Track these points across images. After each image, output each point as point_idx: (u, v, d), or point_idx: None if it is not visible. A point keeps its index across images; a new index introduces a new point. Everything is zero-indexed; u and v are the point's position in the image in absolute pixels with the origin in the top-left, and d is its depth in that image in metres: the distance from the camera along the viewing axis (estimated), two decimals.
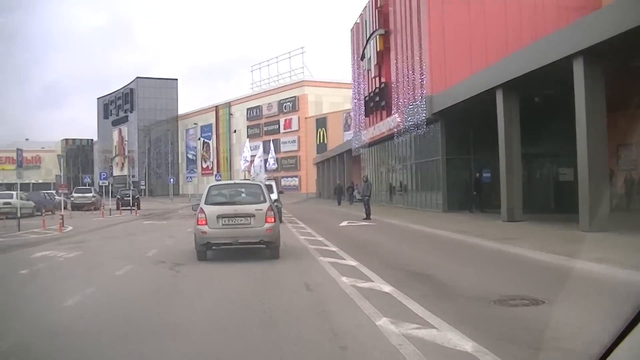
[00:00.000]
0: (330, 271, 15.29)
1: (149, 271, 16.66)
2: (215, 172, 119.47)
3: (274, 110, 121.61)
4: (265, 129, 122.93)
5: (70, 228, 35.07)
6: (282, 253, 18.84)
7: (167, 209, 65.96)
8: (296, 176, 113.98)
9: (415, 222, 32.54)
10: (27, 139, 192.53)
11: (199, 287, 13.85)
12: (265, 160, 48.25)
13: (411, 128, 43.38)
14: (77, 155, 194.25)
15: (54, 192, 62.86)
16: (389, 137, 52.12)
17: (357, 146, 65.73)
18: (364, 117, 63.23)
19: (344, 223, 35.19)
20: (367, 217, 37.59)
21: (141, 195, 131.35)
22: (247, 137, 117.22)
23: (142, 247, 22.90)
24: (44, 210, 39.86)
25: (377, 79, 56.54)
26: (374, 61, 56.33)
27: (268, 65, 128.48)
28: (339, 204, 66.00)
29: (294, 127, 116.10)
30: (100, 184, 61.82)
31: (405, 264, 16.57)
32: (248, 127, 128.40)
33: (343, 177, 78.27)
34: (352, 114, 73.28)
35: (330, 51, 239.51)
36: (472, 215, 35.93)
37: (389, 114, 52.32)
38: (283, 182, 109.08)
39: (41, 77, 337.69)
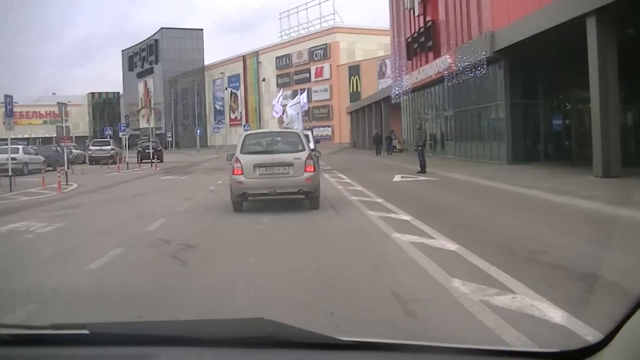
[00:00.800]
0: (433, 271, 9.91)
1: (141, 262, 11.33)
2: (244, 123, 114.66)
3: (305, 59, 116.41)
4: (295, 77, 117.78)
5: (74, 186, 30.94)
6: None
7: (191, 162, 62.18)
8: (329, 126, 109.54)
9: (483, 176, 27.79)
10: (53, 93, 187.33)
11: (212, 293, 8.66)
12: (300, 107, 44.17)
13: (467, 69, 38.43)
14: (104, 108, 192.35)
15: (70, 145, 57.14)
16: (438, 81, 47.21)
17: (397, 92, 60.64)
18: (405, 60, 58.25)
19: (397, 178, 30.62)
20: (422, 171, 32.72)
21: (168, 147, 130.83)
22: (277, 86, 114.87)
23: (146, 215, 18.20)
24: (58, 167, 34.37)
25: (423, 17, 51.59)
26: None
27: (297, 13, 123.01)
28: (378, 154, 62.28)
29: (326, 75, 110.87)
30: (120, 136, 58.58)
31: (522, 247, 11.20)
32: (277, 76, 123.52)
33: (380, 126, 73.45)
34: (390, 59, 68.16)
35: None
36: (550, 168, 30.19)
37: (437, 56, 47.44)
38: (315, 132, 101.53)
39: (68, 35, 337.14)
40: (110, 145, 61.26)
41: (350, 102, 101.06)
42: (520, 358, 2.63)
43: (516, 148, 35.31)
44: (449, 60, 42.75)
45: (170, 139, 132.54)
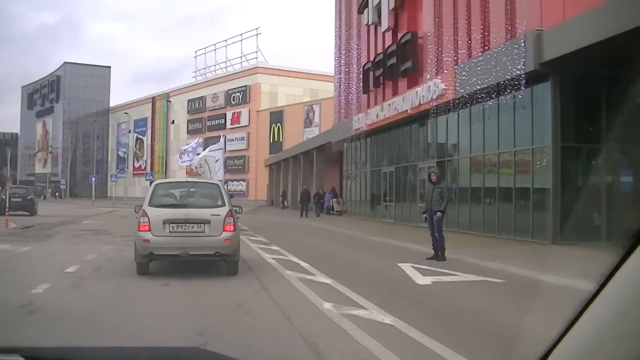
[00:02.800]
0: None
1: None
2: (147, 171, 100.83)
3: (220, 102, 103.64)
4: (208, 123, 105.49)
5: None
6: None
7: (72, 217, 47.57)
8: (244, 180, 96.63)
9: (573, 275, 14.20)
10: None
11: None
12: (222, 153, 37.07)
13: (480, 96, 25.50)
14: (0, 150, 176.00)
15: None
16: (416, 118, 34.49)
17: (343, 137, 47.59)
18: (358, 95, 45.62)
19: (406, 268, 16.96)
20: (440, 256, 18.92)
21: (62, 195, 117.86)
22: (187, 132, 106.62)
23: None
24: None
25: (393, 32, 38.74)
26: (388, 6, 38.34)
27: (215, 50, 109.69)
28: (304, 215, 50.75)
29: (244, 121, 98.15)
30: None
31: None
32: (189, 121, 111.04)
33: (312, 181, 60.54)
34: (334, 95, 54.81)
35: (290, 33, 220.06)
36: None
37: (415, 83, 34.55)
38: (228, 186, 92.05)
39: None
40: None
41: (270, 153, 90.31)
42: None
43: (566, 219, 22.04)
44: (442, 86, 29.65)
45: (64, 186, 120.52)
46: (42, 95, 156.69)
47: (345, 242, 26.81)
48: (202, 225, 15.49)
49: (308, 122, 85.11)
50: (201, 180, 24.67)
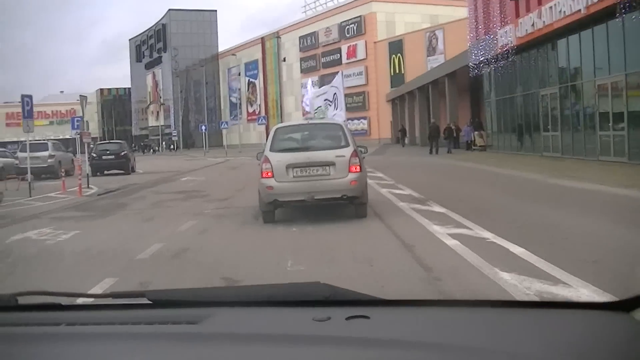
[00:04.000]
0: None
1: None
2: (260, 115, 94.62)
3: (334, 36, 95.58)
4: (323, 60, 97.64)
5: None
6: None
7: (175, 171, 42.91)
8: (364, 117, 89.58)
9: None
10: (61, 92, 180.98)
11: None
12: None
13: None
14: (114, 106, 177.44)
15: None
16: (589, 21, 27.15)
17: (481, 58, 40.12)
18: (504, 4, 37.66)
19: None
20: None
21: (174, 148, 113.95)
22: (301, 72, 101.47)
23: None
24: None
25: None
26: None
27: None
28: (434, 152, 45.04)
29: (360, 55, 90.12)
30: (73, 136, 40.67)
31: None
32: (302, 59, 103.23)
33: (443, 114, 53.88)
34: (468, 8, 46.98)
35: None
36: None
37: None
38: (349, 125, 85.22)
39: (68, 28, 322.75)
40: (48, 150, 39.91)
41: (392, 87, 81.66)
42: (564, 310, 2.66)
43: None
44: None
45: (176, 138, 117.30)
46: (149, 46, 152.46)
47: (518, 191, 20.10)
48: (327, 167, 15.08)
49: (431, 50, 77.40)
50: (322, 121, 22.68)
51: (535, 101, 35.63)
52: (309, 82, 49.83)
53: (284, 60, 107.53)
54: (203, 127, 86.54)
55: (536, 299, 7.13)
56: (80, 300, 3.11)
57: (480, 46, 40.84)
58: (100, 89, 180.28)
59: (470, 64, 41.99)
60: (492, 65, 39.41)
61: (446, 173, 28.55)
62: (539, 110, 35.22)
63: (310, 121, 25.89)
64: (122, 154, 41.79)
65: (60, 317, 2.65)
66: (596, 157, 27.61)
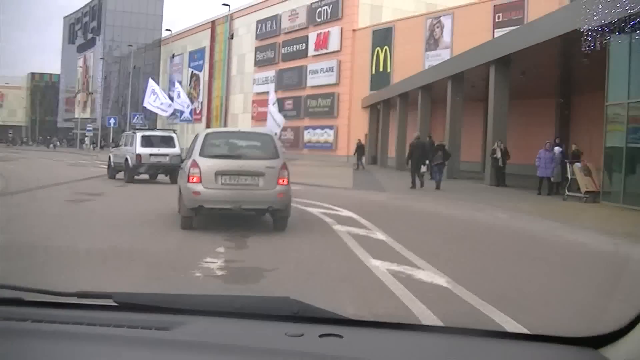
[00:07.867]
0: None
1: None
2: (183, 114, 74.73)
3: (301, 21, 76.82)
4: (284, 51, 79.66)
5: None
6: None
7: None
8: (330, 127, 70.89)
9: None
10: None
11: None
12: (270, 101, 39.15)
13: None
14: (45, 93, 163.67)
15: None
16: None
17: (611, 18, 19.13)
18: None
19: None
20: None
21: (97, 145, 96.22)
22: (255, 64, 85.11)
23: None
24: None
25: None
26: None
27: None
28: (417, 184, 29.15)
29: (333, 46, 71.47)
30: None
31: None
32: (257, 49, 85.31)
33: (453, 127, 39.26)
34: None
35: None
36: None
37: None
38: (306, 136, 73.85)
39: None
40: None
41: (372, 89, 64.40)
42: (535, 342, 2.64)
43: None
44: None
45: (91, 133, 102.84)
46: (82, 25, 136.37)
47: None
48: (256, 177, 15.02)
49: (432, 43, 58.82)
50: (253, 130, 25.56)
51: None
52: (272, 94, 35.57)
53: (232, 37, 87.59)
54: (112, 121, 66.72)
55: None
56: (44, 297, 2.89)
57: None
58: (32, 73, 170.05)
59: (583, 28, 20.74)
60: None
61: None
62: None
63: (241, 129, 25.89)
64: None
65: (26, 313, 2.66)
66: None
